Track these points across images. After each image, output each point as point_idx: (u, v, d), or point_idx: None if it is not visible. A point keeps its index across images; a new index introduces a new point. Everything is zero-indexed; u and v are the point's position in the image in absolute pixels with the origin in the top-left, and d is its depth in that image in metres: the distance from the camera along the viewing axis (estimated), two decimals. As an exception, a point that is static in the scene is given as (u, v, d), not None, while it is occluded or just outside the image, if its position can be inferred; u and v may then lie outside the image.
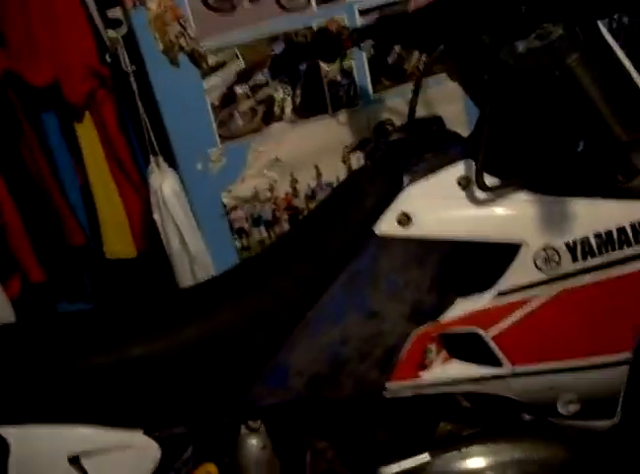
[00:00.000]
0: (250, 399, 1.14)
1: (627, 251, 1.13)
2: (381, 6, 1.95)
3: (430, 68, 1.24)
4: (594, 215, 1.14)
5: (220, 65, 1.91)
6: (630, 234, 1.13)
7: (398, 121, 2.00)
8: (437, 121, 1.23)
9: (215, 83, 1.92)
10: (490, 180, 1.11)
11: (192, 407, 1.14)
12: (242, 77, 1.94)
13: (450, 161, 1.15)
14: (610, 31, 2.25)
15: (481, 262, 1.16)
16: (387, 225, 1.13)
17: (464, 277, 1.17)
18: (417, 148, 1.18)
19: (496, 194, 1.12)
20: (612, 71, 1.15)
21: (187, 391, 1.13)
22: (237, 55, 1.91)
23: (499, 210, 1.13)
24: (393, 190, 1.14)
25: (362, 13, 1.96)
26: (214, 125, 1.95)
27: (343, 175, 2.07)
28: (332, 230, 1.22)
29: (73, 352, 1.12)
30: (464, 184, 1.13)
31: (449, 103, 1.94)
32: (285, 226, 2.10)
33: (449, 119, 1.99)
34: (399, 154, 1.20)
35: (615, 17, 2.19)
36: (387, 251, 1.14)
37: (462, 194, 1.13)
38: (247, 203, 2.05)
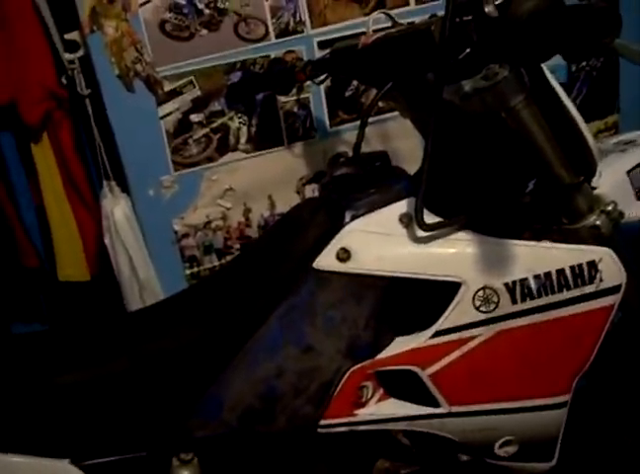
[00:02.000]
0: (183, 431, 1.12)
1: (566, 294, 1.14)
2: (341, 38, 1.94)
3: (376, 104, 1.24)
4: (534, 257, 1.14)
5: (176, 92, 1.90)
6: (570, 277, 1.13)
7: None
8: (382, 157, 1.23)
9: (171, 110, 1.91)
10: (431, 218, 1.11)
11: (122, 437, 1.12)
12: (198, 105, 1.93)
13: (393, 198, 1.15)
14: (570, 73, 2.30)
15: (420, 300, 1.15)
16: (326, 260, 1.12)
17: (403, 315, 1.16)
18: (361, 184, 1.18)
19: (437, 232, 1.11)
20: (556, 114, 1.16)
21: (117, 420, 1.11)
22: (193, 83, 1.90)
23: (439, 249, 1.12)
24: (335, 225, 1.14)
25: (322, 45, 1.96)
26: (168, 152, 1.94)
27: (297, 206, 2.06)
28: (272, 263, 1.21)
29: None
30: (406, 221, 1.12)
31: (405, 138, 1.95)
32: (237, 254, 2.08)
33: (405, 155, 2.02)
34: (343, 189, 1.19)
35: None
36: (325, 286, 1.13)
37: (403, 231, 1.12)
38: (199, 231, 2.03)
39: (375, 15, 1.48)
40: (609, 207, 1.18)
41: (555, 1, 0.90)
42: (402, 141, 2.04)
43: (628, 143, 1.45)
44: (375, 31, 1.38)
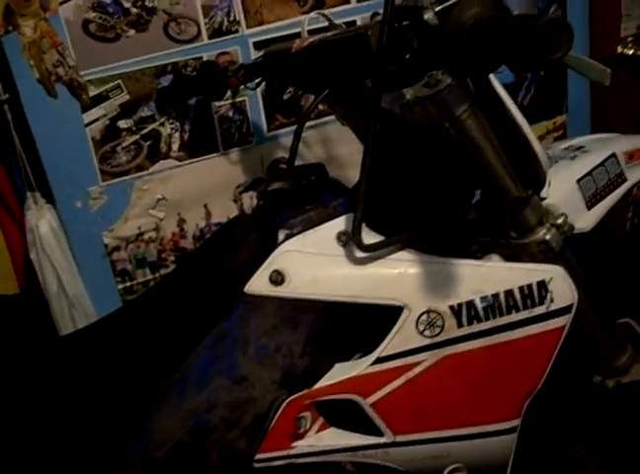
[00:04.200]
0: (110, 472, 1.04)
1: (515, 316, 1.08)
2: (278, 39, 1.87)
3: (310, 113, 1.16)
4: (481, 278, 1.08)
5: (102, 97, 1.79)
6: (519, 298, 1.08)
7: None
8: (318, 170, 1.15)
9: (97, 116, 1.80)
10: (371, 236, 1.05)
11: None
12: (126, 110, 1.82)
13: (331, 215, 1.08)
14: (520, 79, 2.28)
15: (361, 324, 1.09)
16: (259, 284, 1.05)
17: (343, 340, 1.11)
18: (296, 200, 1.11)
19: (377, 252, 1.05)
20: (503, 123, 1.10)
21: (34, 460, 1.04)
22: (121, 87, 1.80)
23: (379, 270, 1.06)
24: (268, 245, 1.07)
25: (258, 46, 1.88)
26: (95, 161, 1.84)
27: (234, 214, 1.99)
28: (202, 287, 1.14)
29: None
30: (344, 240, 1.06)
31: (348, 142, 1.86)
32: (172, 268, 1.99)
33: (348, 160, 1.96)
34: (276, 206, 1.12)
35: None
36: (258, 312, 1.06)
37: (341, 251, 1.06)
38: (130, 244, 1.94)
39: (312, 15, 1.40)
40: (560, 220, 1.14)
41: (499, 10, 0.84)
42: (344, 146, 1.98)
43: (578, 149, 1.41)
44: (312, 31, 1.31)
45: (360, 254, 1.04)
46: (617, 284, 1.79)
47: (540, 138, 2.38)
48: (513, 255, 1.15)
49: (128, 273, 1.97)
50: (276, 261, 1.05)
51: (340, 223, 1.07)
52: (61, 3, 1.70)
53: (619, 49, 2.34)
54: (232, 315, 1.06)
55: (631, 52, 2.32)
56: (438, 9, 0.87)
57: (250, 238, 1.12)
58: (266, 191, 1.15)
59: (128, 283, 1.97)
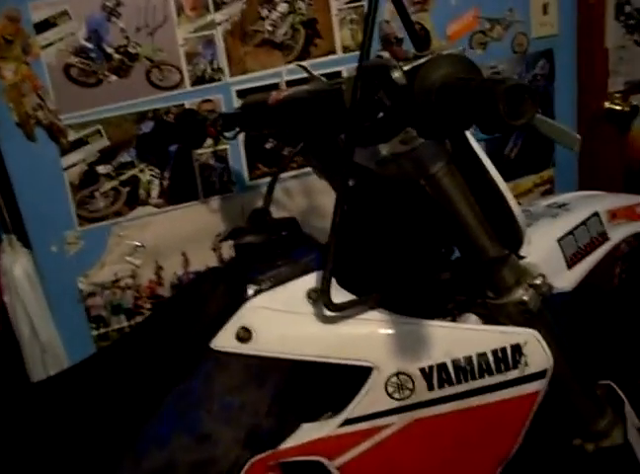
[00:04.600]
0: None
1: (488, 380, 1.05)
2: (261, 88, 1.86)
3: (285, 167, 1.15)
4: (453, 340, 1.05)
5: (82, 142, 1.77)
6: (492, 362, 1.05)
7: (275, 209, 1.90)
8: (290, 224, 1.13)
9: (75, 161, 1.78)
10: (342, 294, 1.02)
11: None
12: (105, 156, 1.80)
13: (301, 271, 1.05)
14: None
15: (329, 384, 1.06)
16: (225, 340, 1.02)
17: (310, 400, 1.07)
18: (267, 254, 1.09)
19: (347, 311, 1.02)
20: (480, 181, 1.08)
21: None
22: (101, 132, 1.78)
23: (349, 330, 1.03)
24: (236, 300, 1.04)
25: (241, 94, 1.86)
26: (72, 206, 1.81)
27: (213, 263, 1.97)
28: (169, 341, 1.11)
29: None
30: (314, 297, 1.03)
31: (330, 193, 1.85)
32: (146, 316, 1.95)
33: (328, 212, 1.92)
34: (247, 260, 1.10)
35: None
36: (224, 368, 1.03)
37: (311, 309, 1.03)
38: (106, 290, 1.90)
39: (291, 66, 1.39)
40: (538, 281, 1.11)
41: (469, 71, 0.83)
42: (326, 197, 1.91)
43: (561, 207, 1.39)
44: (294, 82, 1.30)
45: (329, 312, 1.01)
46: (603, 342, 1.76)
47: (527, 192, 2.36)
48: (490, 315, 1.12)
49: (103, 319, 1.93)
50: (243, 317, 1.02)
51: (310, 280, 1.04)
52: (43, 47, 1.69)
53: (607, 105, 2.34)
54: (198, 371, 1.03)
55: (619, 108, 2.32)
56: (406, 68, 0.85)
57: (218, 293, 1.09)
58: (238, 243, 1.13)
59: (103, 330, 1.93)
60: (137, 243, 1.89)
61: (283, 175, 1.93)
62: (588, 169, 2.42)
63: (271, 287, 1.04)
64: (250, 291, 1.04)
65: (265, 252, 1.09)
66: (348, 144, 0.93)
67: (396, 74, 0.85)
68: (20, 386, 1.80)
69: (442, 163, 1.01)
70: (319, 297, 1.01)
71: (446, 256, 1.17)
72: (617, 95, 2.35)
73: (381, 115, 0.89)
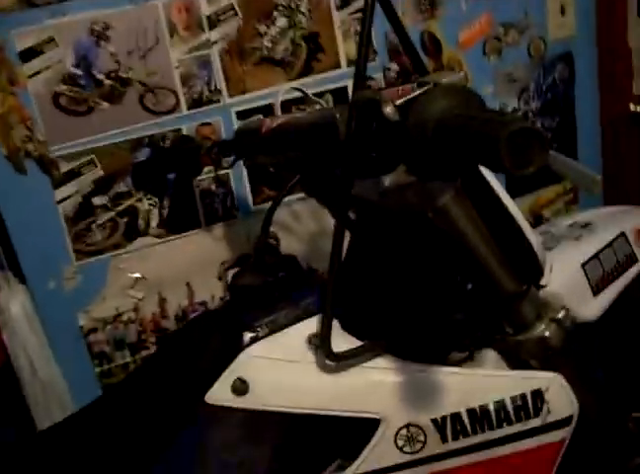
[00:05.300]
0: None
1: (507, 429, 0.98)
2: (263, 108, 1.79)
3: (280, 201, 1.08)
4: (468, 387, 0.98)
5: (75, 173, 1.70)
6: (511, 410, 0.97)
7: (281, 235, 1.82)
8: (290, 263, 1.05)
9: (69, 193, 1.71)
10: (345, 341, 0.95)
11: None
12: (100, 186, 1.73)
13: (301, 316, 0.98)
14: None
15: (333, 439, 0.99)
16: (220, 393, 0.95)
17: (312, 455, 1.00)
18: (265, 297, 1.02)
19: (351, 359, 0.94)
20: (493, 213, 0.99)
21: None
22: (94, 162, 1.70)
23: (353, 379, 0.96)
24: (231, 349, 0.97)
25: (242, 116, 1.79)
26: (68, 240, 1.74)
27: (219, 293, 1.89)
28: (160, 396, 1.04)
29: None
30: (315, 343, 0.95)
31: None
32: (153, 349, 1.88)
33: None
34: (244, 303, 1.03)
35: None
36: (219, 424, 0.97)
37: (311, 356, 0.96)
38: (108, 325, 1.83)
39: (286, 88, 1.31)
40: (560, 314, 1.03)
41: (468, 103, 0.74)
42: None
43: (584, 227, 1.31)
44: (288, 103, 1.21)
45: (332, 360, 0.94)
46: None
47: (550, 202, 2.28)
48: (510, 351, 1.05)
49: (106, 355, 1.86)
50: (239, 368, 0.96)
51: (311, 325, 0.97)
52: (30, 76, 1.62)
53: (633, 108, 2.22)
54: (192, 427, 0.97)
55: (647, 111, 2.21)
56: (398, 103, 0.76)
57: (213, 341, 1.02)
58: (233, 285, 1.05)
59: (106, 366, 1.86)
60: (138, 275, 1.82)
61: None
62: (612, 176, 2.32)
63: (268, 334, 0.98)
64: (246, 339, 0.97)
65: (262, 295, 1.02)
66: (344, 178, 0.86)
67: (388, 109, 0.77)
68: (19, 431, 1.74)
69: (451, 192, 0.93)
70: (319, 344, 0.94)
71: (457, 294, 1.08)
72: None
73: (374, 155, 0.82)
